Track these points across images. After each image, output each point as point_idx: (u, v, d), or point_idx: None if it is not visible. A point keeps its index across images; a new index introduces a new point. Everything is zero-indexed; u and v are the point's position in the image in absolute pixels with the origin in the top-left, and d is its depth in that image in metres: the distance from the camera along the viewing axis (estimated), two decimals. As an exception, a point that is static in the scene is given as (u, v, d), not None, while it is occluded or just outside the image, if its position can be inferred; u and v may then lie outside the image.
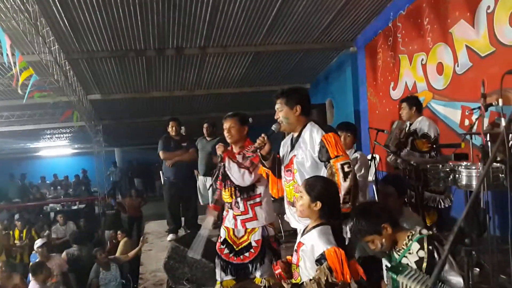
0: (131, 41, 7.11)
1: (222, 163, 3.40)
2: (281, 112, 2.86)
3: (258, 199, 3.45)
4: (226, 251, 3.53)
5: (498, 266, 3.30)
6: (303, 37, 7.73)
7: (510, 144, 3.82)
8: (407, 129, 4.70)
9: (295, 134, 2.94)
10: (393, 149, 4.56)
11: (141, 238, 6.56)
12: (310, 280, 2.25)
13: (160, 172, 6.54)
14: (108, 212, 10.90)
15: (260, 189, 3.45)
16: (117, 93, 10.49)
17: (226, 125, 3.47)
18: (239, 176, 3.32)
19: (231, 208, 3.52)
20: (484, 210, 3.04)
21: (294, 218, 2.91)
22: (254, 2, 6.06)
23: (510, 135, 4.00)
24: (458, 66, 5.34)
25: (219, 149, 3.41)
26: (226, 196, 3.51)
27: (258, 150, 2.90)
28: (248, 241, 3.48)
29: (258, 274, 3.43)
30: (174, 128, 6.10)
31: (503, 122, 2.25)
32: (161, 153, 6.09)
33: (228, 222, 3.57)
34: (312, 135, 2.79)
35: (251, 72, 9.66)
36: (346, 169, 2.63)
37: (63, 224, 9.93)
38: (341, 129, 4.26)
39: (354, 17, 7.12)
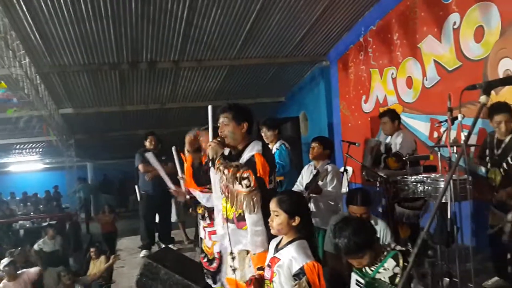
0: (104, 54, 7.03)
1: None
2: (227, 126, 2.80)
3: None
4: (205, 259, 3.53)
5: (467, 275, 3.37)
6: (277, 51, 7.81)
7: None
8: (382, 145, 4.76)
9: (234, 152, 2.87)
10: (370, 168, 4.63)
11: (112, 255, 6.44)
12: None
13: (136, 186, 6.44)
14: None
15: None
16: (90, 106, 10.30)
17: (201, 138, 3.50)
18: (205, 201, 3.34)
19: (202, 219, 3.51)
20: (451, 221, 3.11)
21: (233, 237, 2.82)
22: (228, 17, 6.11)
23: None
24: (426, 80, 5.50)
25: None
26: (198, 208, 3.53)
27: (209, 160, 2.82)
28: (213, 253, 3.45)
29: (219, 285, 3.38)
30: (153, 142, 6.05)
31: (462, 136, 2.31)
32: (141, 166, 6.01)
33: (202, 232, 3.58)
34: (252, 151, 2.71)
35: (226, 85, 9.68)
36: (244, 180, 2.56)
37: (51, 238, 9.64)
38: (312, 140, 4.32)
39: (327, 32, 7.25)
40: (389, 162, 4.47)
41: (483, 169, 3.90)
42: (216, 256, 3.40)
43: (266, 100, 11.32)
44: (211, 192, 3.19)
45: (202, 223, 3.53)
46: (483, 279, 3.96)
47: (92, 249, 8.24)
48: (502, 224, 3.54)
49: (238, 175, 2.56)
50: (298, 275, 2.24)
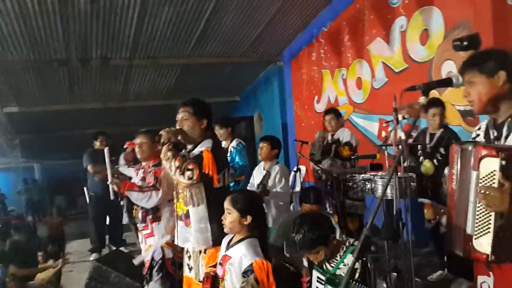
0: (52, 51, 6.79)
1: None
2: (187, 121, 2.74)
3: (157, 214, 3.35)
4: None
5: (414, 269, 3.50)
6: (232, 50, 7.81)
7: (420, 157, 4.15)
8: (329, 138, 4.89)
9: (189, 146, 2.84)
10: (319, 157, 4.73)
11: (61, 259, 6.21)
12: None
13: (84, 188, 6.25)
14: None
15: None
16: (38, 105, 9.91)
17: (138, 140, 3.47)
18: (145, 202, 3.25)
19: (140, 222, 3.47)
20: (397, 217, 3.22)
21: (181, 235, 2.79)
22: (181, 14, 6.04)
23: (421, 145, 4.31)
24: (375, 81, 5.67)
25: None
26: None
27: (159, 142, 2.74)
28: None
29: None
30: (103, 142, 5.89)
31: (403, 136, 2.42)
32: (89, 167, 5.85)
33: (139, 235, 3.56)
34: (202, 147, 2.70)
35: (180, 84, 9.57)
36: (187, 171, 2.55)
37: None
38: (260, 140, 4.36)
39: (280, 33, 7.33)
40: (342, 151, 4.61)
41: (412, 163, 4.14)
42: (147, 264, 3.32)
43: (221, 100, 11.29)
44: (153, 189, 3.18)
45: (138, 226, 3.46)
46: (429, 273, 4.11)
47: (39, 253, 7.92)
48: (440, 217, 3.71)
49: (183, 166, 2.53)
50: (246, 272, 2.26)
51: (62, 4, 5.34)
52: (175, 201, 2.85)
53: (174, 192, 2.85)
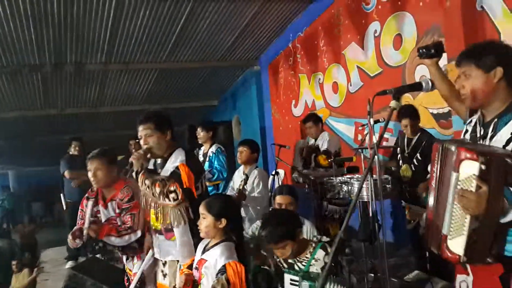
0: (24, 55, 6.65)
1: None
2: (152, 138, 2.66)
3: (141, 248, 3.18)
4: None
5: (390, 270, 3.55)
6: (209, 55, 7.81)
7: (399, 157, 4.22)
8: (310, 144, 4.93)
9: (159, 160, 2.79)
10: (301, 168, 4.76)
11: (36, 268, 6.08)
12: None
13: (61, 194, 6.16)
14: None
15: None
16: (10, 111, 9.70)
17: (91, 167, 3.02)
18: (123, 244, 2.98)
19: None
20: (373, 219, 3.26)
21: (162, 248, 2.77)
22: (157, 18, 6.01)
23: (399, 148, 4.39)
24: (351, 85, 5.74)
25: None
26: None
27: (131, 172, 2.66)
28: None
29: None
30: (77, 148, 5.83)
31: (374, 139, 2.46)
32: (66, 173, 5.81)
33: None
34: (176, 162, 2.66)
35: (157, 89, 9.51)
36: (171, 194, 2.52)
37: None
38: (238, 144, 4.35)
39: (257, 37, 7.36)
40: (320, 160, 4.63)
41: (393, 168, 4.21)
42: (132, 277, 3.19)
43: (199, 104, 11.28)
44: (131, 232, 2.96)
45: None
46: (406, 273, 4.17)
47: (13, 262, 7.73)
48: (419, 218, 3.79)
49: (165, 189, 2.52)
50: (219, 273, 2.28)
51: (34, 8, 5.25)
52: (151, 215, 2.79)
53: (148, 207, 2.74)
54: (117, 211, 3.05)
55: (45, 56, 6.82)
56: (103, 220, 3.12)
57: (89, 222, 2.95)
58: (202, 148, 5.11)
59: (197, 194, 2.66)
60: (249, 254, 2.70)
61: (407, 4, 4.66)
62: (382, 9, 5.01)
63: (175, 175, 2.58)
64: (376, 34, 5.21)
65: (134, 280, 2.96)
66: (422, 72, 4.58)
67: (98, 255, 5.60)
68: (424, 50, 2.07)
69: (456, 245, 1.63)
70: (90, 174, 3.03)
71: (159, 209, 2.64)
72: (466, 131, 1.87)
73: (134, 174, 2.65)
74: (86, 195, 3.22)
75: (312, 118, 4.97)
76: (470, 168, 1.57)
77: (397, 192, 4.17)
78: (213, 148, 4.85)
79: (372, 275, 3.81)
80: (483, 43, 1.86)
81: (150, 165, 2.83)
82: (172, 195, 2.52)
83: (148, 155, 2.68)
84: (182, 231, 2.63)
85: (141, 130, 2.69)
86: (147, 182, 2.58)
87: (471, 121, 1.87)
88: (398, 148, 4.21)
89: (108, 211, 3.13)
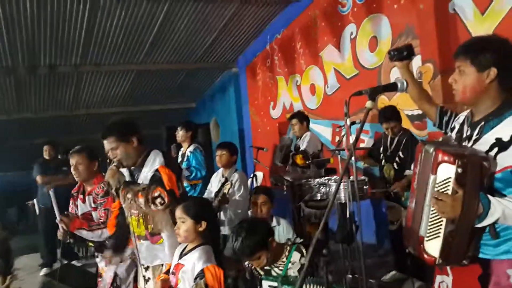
0: (-4, 57, 6.49)
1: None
2: (118, 150, 2.57)
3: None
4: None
5: (368, 271, 3.57)
6: (186, 57, 7.76)
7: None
8: (291, 144, 4.92)
9: (133, 166, 2.71)
10: (280, 164, 4.75)
11: (9, 276, 5.90)
12: None
13: (34, 200, 6.01)
14: None
15: None
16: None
17: (73, 161, 3.11)
18: (96, 239, 3.03)
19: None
20: (350, 220, 3.28)
21: (147, 253, 2.69)
22: (133, 19, 5.94)
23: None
24: (328, 87, 5.78)
25: None
26: None
27: (110, 190, 2.62)
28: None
29: None
30: (48, 152, 5.72)
31: (350, 140, 2.47)
32: (38, 178, 5.70)
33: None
34: (154, 165, 2.61)
35: (134, 91, 9.39)
36: (157, 199, 2.46)
37: None
38: (217, 147, 4.29)
39: (234, 39, 7.35)
40: (297, 159, 4.62)
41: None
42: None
43: (177, 106, 11.19)
44: (104, 227, 2.98)
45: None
46: (385, 273, 4.20)
47: (-15, 271, 7.51)
48: (401, 219, 3.82)
49: (149, 197, 2.45)
50: (197, 278, 2.24)
51: (6, 10, 5.13)
52: (132, 222, 2.71)
53: (129, 214, 2.70)
54: (93, 205, 3.10)
55: (18, 58, 6.67)
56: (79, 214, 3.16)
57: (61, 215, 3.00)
58: (182, 149, 5.07)
59: (179, 193, 2.61)
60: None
61: (382, 6, 4.72)
62: (358, 11, 5.06)
63: (155, 178, 2.53)
64: (352, 36, 5.25)
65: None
66: (397, 74, 4.56)
67: (73, 262, 5.51)
68: (395, 52, 2.07)
69: (433, 247, 1.63)
70: (72, 168, 3.14)
71: (148, 216, 2.58)
72: (454, 127, 1.85)
73: (114, 191, 2.59)
74: (71, 191, 3.32)
75: (298, 116, 4.93)
76: (447, 171, 1.56)
77: (376, 193, 4.22)
78: (191, 148, 4.80)
79: (350, 276, 3.83)
80: (485, 38, 1.80)
81: (127, 176, 2.72)
82: (158, 200, 2.45)
83: (121, 168, 2.61)
84: (170, 233, 2.58)
85: (106, 144, 2.61)
86: (129, 196, 2.53)
87: (459, 117, 1.85)
88: (381, 148, 4.21)
89: (86, 205, 3.19)
